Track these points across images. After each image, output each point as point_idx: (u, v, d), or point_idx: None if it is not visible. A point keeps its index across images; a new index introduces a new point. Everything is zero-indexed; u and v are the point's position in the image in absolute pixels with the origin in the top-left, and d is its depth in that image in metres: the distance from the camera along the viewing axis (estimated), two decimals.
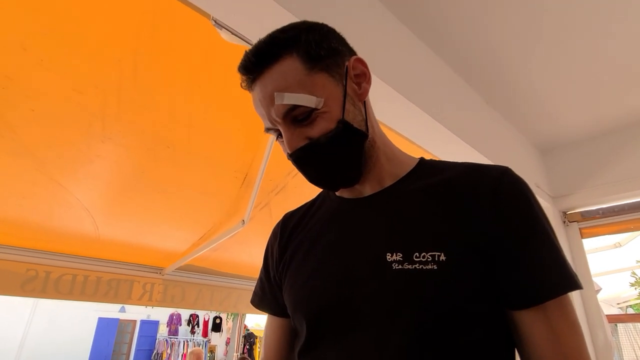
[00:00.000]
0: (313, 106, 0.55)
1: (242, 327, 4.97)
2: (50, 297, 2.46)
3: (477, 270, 0.50)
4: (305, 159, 0.58)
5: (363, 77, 0.62)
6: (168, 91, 1.67)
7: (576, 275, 0.52)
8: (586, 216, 2.70)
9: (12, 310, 10.09)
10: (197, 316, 12.32)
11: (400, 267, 0.52)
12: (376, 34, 1.65)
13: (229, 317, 11.96)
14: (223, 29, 1.32)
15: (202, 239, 2.63)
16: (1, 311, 9.84)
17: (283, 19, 1.26)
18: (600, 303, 2.55)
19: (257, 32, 1.32)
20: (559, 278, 0.50)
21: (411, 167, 0.64)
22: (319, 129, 0.56)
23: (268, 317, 0.73)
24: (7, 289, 2.28)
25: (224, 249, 2.78)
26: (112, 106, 1.64)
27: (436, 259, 0.50)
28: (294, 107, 0.55)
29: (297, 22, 0.62)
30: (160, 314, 12.31)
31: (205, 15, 1.30)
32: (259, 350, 9.85)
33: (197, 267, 3.00)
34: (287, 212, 0.78)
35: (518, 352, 0.53)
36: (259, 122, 1.96)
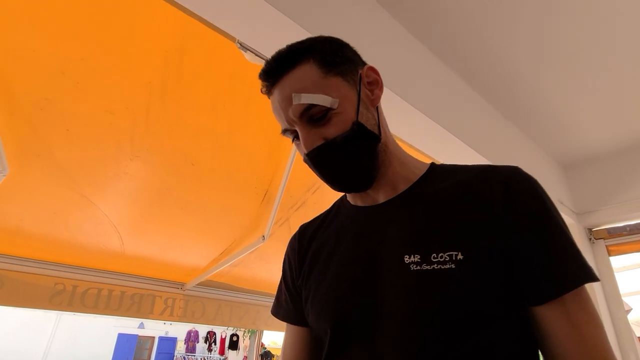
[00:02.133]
0: (328, 105, 0.58)
1: (260, 344, 4.94)
2: (76, 311, 2.52)
3: (495, 268, 0.51)
4: (322, 159, 0.60)
5: (375, 84, 0.66)
6: (194, 111, 1.74)
7: (591, 268, 0.52)
8: (613, 233, 2.62)
9: (35, 325, 10.32)
10: (215, 333, 12.30)
11: (418, 268, 0.53)
12: (395, 52, 1.69)
13: (245, 334, 11.89)
14: (248, 51, 1.38)
15: (222, 254, 2.66)
16: (25, 327, 10.07)
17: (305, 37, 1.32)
18: (631, 324, 2.44)
19: None
20: (575, 270, 0.51)
21: (423, 172, 0.66)
22: (334, 129, 0.59)
23: (287, 326, 0.75)
24: (36, 302, 2.35)
25: (244, 265, 2.80)
26: (141, 125, 1.71)
27: (454, 258, 0.52)
28: (311, 107, 0.58)
29: (314, 36, 0.67)
30: (178, 331, 12.36)
31: (231, 38, 1.37)
32: None
33: (217, 283, 3.03)
34: (302, 224, 0.80)
35: (540, 349, 0.53)
36: (281, 140, 2.01)
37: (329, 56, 0.61)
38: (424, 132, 1.77)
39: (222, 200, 2.23)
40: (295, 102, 0.58)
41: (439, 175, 0.65)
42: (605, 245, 2.61)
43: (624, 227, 2.62)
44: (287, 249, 0.78)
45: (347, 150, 0.59)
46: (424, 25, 1.76)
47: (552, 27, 1.74)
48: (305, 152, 0.60)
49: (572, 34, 1.77)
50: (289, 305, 0.73)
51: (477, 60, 1.94)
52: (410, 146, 1.86)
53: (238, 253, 2.49)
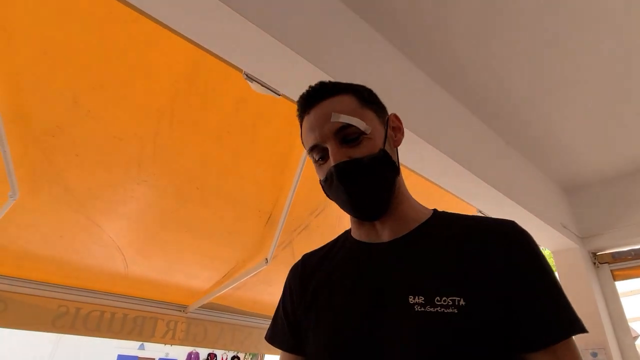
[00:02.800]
0: (362, 129, 0.64)
1: None
2: (79, 334, 2.51)
3: (493, 316, 0.55)
4: (347, 173, 0.63)
5: (398, 130, 0.74)
6: (200, 137, 1.79)
7: (580, 320, 0.56)
8: (617, 257, 2.60)
9: (35, 346, 10.20)
10: (215, 355, 12.08)
11: (422, 309, 0.56)
12: (397, 80, 1.74)
13: (246, 357, 11.67)
14: (254, 82, 1.44)
15: (225, 277, 2.66)
16: (25, 347, 9.95)
17: (310, 72, 1.37)
18: (639, 351, 2.40)
19: (285, 84, 1.44)
20: (566, 322, 0.55)
21: (427, 217, 0.69)
22: (364, 150, 0.64)
23: (282, 353, 0.75)
24: (39, 325, 2.35)
25: (247, 288, 2.80)
26: (149, 151, 1.76)
27: (457, 303, 0.55)
28: (346, 127, 0.64)
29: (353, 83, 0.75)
30: (179, 353, 12.15)
31: (238, 69, 1.42)
32: None
33: (219, 306, 3.02)
34: (305, 252, 0.81)
35: None
36: (285, 164, 2.04)
37: (365, 95, 0.70)
38: (426, 159, 1.80)
39: (226, 223, 2.25)
40: (333, 119, 0.64)
41: (442, 221, 0.68)
42: (610, 270, 2.59)
43: (629, 252, 2.60)
44: (289, 276, 0.79)
45: (372, 171, 0.64)
46: (425, 55, 1.81)
47: (551, 55, 1.79)
48: (333, 164, 0.64)
49: (572, 60, 1.82)
50: (285, 332, 0.74)
51: (479, 88, 1.99)
52: (414, 172, 1.89)
53: (241, 276, 2.49)
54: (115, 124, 1.66)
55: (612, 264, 2.60)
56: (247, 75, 1.42)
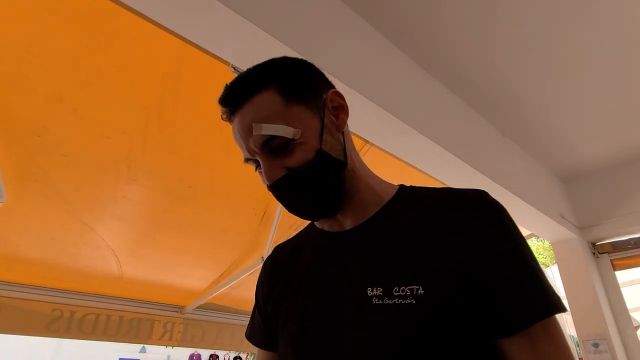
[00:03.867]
0: (290, 137, 0.55)
1: None
2: (74, 338, 2.48)
3: (457, 302, 0.50)
4: (285, 190, 0.58)
5: (341, 109, 0.63)
6: (190, 134, 1.75)
7: (559, 299, 0.51)
8: (617, 247, 2.58)
9: (34, 352, 10.15)
10: (217, 356, 12.06)
11: (380, 302, 0.52)
12: (391, 72, 1.71)
13: (248, 356, 11.66)
14: None
15: (221, 276, 2.64)
16: (24, 354, 9.91)
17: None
18: None
19: None
20: (540, 302, 0.49)
21: (390, 196, 0.63)
22: (297, 159, 0.56)
23: (258, 351, 0.73)
24: (33, 330, 2.32)
25: (244, 287, 2.77)
26: (138, 150, 1.72)
27: (415, 292, 0.50)
28: (272, 138, 0.56)
29: (277, 58, 0.64)
30: (181, 355, 12.12)
31: (225, 62, 1.39)
32: None
33: (217, 306, 2.99)
34: (277, 244, 0.78)
35: None
36: None
37: (292, 83, 0.59)
38: (423, 152, 1.77)
39: (220, 222, 2.22)
40: (255, 132, 0.56)
41: (406, 200, 0.62)
42: (610, 260, 2.57)
43: (629, 241, 2.58)
44: (260, 271, 0.76)
45: (311, 179, 0.57)
46: (419, 45, 1.78)
47: (548, 45, 1.76)
48: (268, 183, 0.58)
49: (569, 50, 1.79)
50: (261, 329, 0.72)
51: (475, 78, 1.96)
52: (410, 165, 1.86)
53: (237, 275, 2.46)
54: (102, 122, 1.62)
55: (611, 254, 2.58)
56: (234, 68, 1.38)
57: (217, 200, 2.07)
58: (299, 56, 1.31)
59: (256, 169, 0.62)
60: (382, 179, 0.68)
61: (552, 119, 2.23)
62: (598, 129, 2.32)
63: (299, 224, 2.41)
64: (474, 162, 1.90)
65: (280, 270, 0.70)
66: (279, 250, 0.75)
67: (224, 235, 2.32)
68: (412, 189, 0.65)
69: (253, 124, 0.56)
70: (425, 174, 1.94)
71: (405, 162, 1.83)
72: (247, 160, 0.61)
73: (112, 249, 2.18)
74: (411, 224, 0.57)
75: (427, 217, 0.57)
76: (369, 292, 0.53)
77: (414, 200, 0.61)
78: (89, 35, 1.40)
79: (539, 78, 1.96)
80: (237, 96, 0.59)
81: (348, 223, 0.63)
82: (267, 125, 0.56)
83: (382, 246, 0.57)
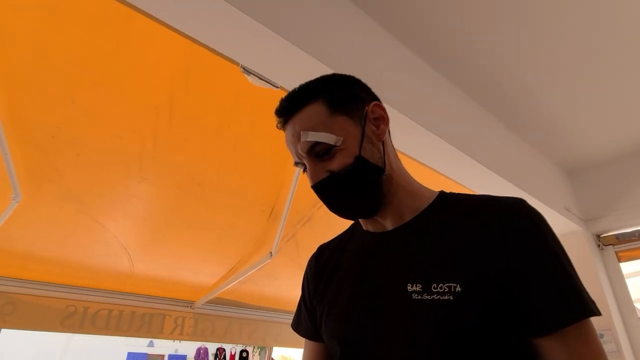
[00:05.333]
0: (332, 143, 0.63)
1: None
2: (88, 332, 2.53)
3: (492, 301, 0.53)
4: (326, 190, 0.65)
5: (381, 119, 0.70)
6: (200, 133, 1.78)
7: (594, 303, 0.54)
8: (622, 239, 2.60)
9: (45, 346, 10.30)
10: (224, 350, 12.17)
11: (419, 297, 0.56)
12: (395, 69, 1.72)
13: (255, 350, 11.77)
14: (251, 75, 1.43)
15: (230, 271, 2.67)
16: (34, 348, 10.06)
17: (307, 62, 1.35)
18: None
19: (282, 75, 1.43)
20: (574, 305, 0.52)
21: (430, 201, 0.68)
22: (337, 163, 0.64)
23: (306, 341, 0.78)
24: (48, 325, 2.37)
25: (252, 282, 2.81)
26: (149, 149, 1.75)
27: (452, 290, 0.54)
28: (316, 144, 0.64)
29: (327, 74, 0.73)
30: (188, 349, 12.24)
31: (234, 63, 1.41)
32: None
33: (226, 300, 3.04)
34: (321, 244, 0.84)
35: None
36: (285, 158, 2.04)
37: (337, 96, 0.67)
38: (424, 145, 1.79)
39: (229, 218, 2.26)
40: (303, 139, 0.64)
41: (446, 204, 0.67)
42: (615, 252, 2.59)
43: (633, 233, 2.60)
44: (306, 267, 0.82)
45: (350, 182, 0.64)
46: (423, 41, 1.79)
47: (552, 35, 1.77)
48: (312, 184, 0.66)
49: (574, 42, 1.80)
50: (307, 322, 0.77)
51: (477, 71, 1.97)
52: (414, 161, 1.88)
53: (246, 270, 2.50)
54: (114, 122, 1.66)
55: (616, 246, 2.59)
56: (243, 68, 1.41)
57: (226, 197, 2.10)
58: (308, 56, 1.33)
59: (304, 171, 0.69)
60: (422, 185, 0.73)
61: (556, 111, 2.24)
62: (602, 121, 2.33)
63: (306, 220, 2.44)
64: (477, 156, 1.92)
65: (325, 267, 0.75)
66: (323, 248, 0.81)
67: (233, 232, 2.35)
68: (451, 194, 0.70)
69: (301, 132, 0.64)
70: (428, 167, 1.96)
71: (406, 156, 1.85)
72: (296, 163, 0.70)
73: (124, 246, 2.22)
74: (450, 227, 0.62)
75: (466, 221, 0.61)
76: (409, 288, 0.57)
77: (452, 205, 0.66)
78: (100, 37, 1.42)
79: (542, 70, 1.96)
80: (289, 108, 0.68)
81: (388, 225, 0.68)
82: (313, 132, 0.64)
83: (421, 246, 0.62)
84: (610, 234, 2.63)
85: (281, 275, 2.80)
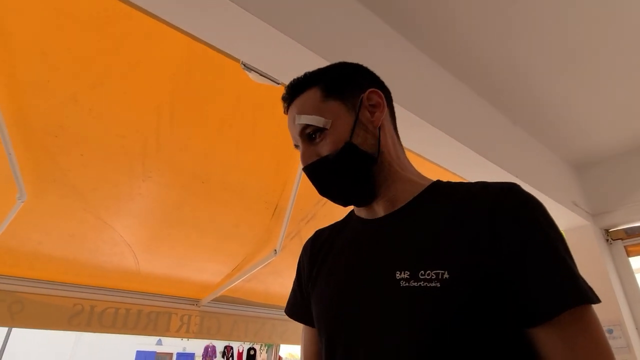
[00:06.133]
0: (321, 125, 0.64)
1: (277, 358, 4.92)
2: (95, 331, 2.55)
3: (482, 288, 0.51)
4: (315, 173, 0.67)
5: (377, 106, 0.70)
6: (202, 131, 1.78)
7: (590, 289, 0.51)
8: (630, 233, 2.56)
9: (54, 345, 10.45)
10: (232, 348, 12.25)
11: (407, 284, 0.55)
12: (398, 64, 1.71)
13: (262, 348, 11.83)
14: (252, 72, 1.42)
15: (235, 269, 2.68)
16: (44, 346, 10.21)
17: (308, 58, 1.34)
18: None
19: (283, 72, 1.42)
20: (567, 291, 0.49)
21: (423, 189, 0.67)
22: (327, 147, 0.65)
23: (303, 327, 0.78)
24: (55, 324, 2.39)
25: (257, 280, 2.81)
26: (152, 147, 1.76)
27: (440, 277, 0.52)
28: (307, 126, 0.66)
29: (334, 63, 0.75)
30: (196, 347, 12.35)
31: (235, 60, 1.40)
32: None
33: (231, 298, 3.04)
34: (318, 229, 0.84)
35: None
36: (288, 155, 2.03)
37: (333, 82, 0.69)
38: (430, 141, 1.77)
39: (233, 216, 2.26)
40: (296, 122, 0.67)
41: (438, 192, 0.66)
42: (624, 246, 2.56)
43: None
44: (302, 251, 0.82)
45: (338, 167, 0.65)
46: (427, 35, 1.77)
47: (559, 27, 1.74)
48: (302, 167, 0.68)
49: (582, 35, 1.77)
50: (300, 305, 0.77)
51: (483, 66, 1.95)
52: (419, 156, 1.87)
53: (251, 268, 2.50)
54: (117, 122, 1.66)
55: (625, 240, 2.56)
56: (244, 65, 1.40)
57: (230, 195, 2.10)
58: (309, 52, 1.32)
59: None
60: (421, 174, 0.72)
61: (564, 105, 2.21)
62: (611, 115, 2.29)
63: (310, 218, 2.44)
64: (483, 151, 1.90)
65: (319, 251, 0.75)
66: (319, 233, 0.81)
67: (237, 230, 2.35)
68: (447, 183, 0.68)
69: (295, 115, 0.67)
70: (432, 162, 1.94)
71: (410, 151, 1.84)
72: (295, 146, 0.72)
73: (129, 245, 2.23)
74: (440, 214, 0.60)
75: (456, 207, 0.59)
76: (397, 275, 0.56)
77: (445, 193, 0.64)
78: (101, 36, 1.42)
79: (549, 64, 1.94)
80: (291, 93, 0.71)
81: (381, 211, 0.68)
82: (304, 116, 0.66)
83: (411, 232, 0.61)
84: (618, 228, 2.59)
85: (286, 273, 2.80)
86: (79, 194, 1.87)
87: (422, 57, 1.86)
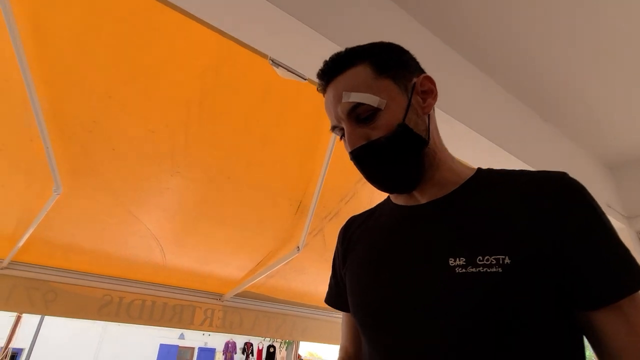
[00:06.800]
0: (375, 105, 0.59)
1: (297, 356, 4.95)
2: (122, 321, 2.63)
3: (543, 274, 0.51)
4: (365, 158, 0.62)
5: (430, 93, 0.67)
6: (229, 126, 1.81)
7: None
8: None
9: (84, 337, 10.87)
10: (252, 344, 12.41)
11: (463, 270, 0.53)
12: (428, 60, 1.68)
13: (282, 345, 11.92)
14: (279, 67, 1.43)
15: (258, 265, 2.71)
16: (74, 338, 10.63)
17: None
18: None
19: (312, 68, 1.42)
20: (629, 275, 0.50)
21: (469, 176, 0.65)
22: (379, 130, 0.60)
23: (343, 314, 0.78)
24: (86, 313, 2.49)
25: (280, 276, 2.83)
26: (180, 143, 1.80)
27: (501, 262, 0.51)
28: (358, 105, 0.60)
29: (375, 42, 0.70)
30: (217, 342, 12.58)
31: (263, 55, 1.42)
32: None
33: (254, 294, 3.08)
34: (351, 216, 0.82)
35: (594, 351, 0.53)
36: (313, 152, 2.03)
37: (385, 60, 0.63)
38: (460, 139, 1.74)
39: (257, 212, 2.28)
40: (344, 99, 0.61)
41: (486, 179, 0.64)
42: None
43: None
44: (337, 241, 0.81)
45: (390, 151, 0.60)
46: (453, 28, 1.74)
47: (592, 22, 1.68)
48: (349, 150, 0.62)
49: (616, 30, 1.70)
50: (337, 293, 0.76)
51: (514, 63, 1.90)
52: None
53: (273, 264, 2.52)
54: (147, 117, 1.70)
55: None
56: (272, 61, 1.41)
57: (255, 191, 2.12)
58: (337, 48, 1.32)
59: (341, 138, 0.66)
60: (462, 163, 0.70)
61: (597, 102, 2.13)
62: None
63: (333, 215, 2.44)
64: (514, 150, 1.86)
65: (353, 238, 0.74)
66: (352, 220, 0.79)
67: (261, 226, 2.38)
68: (491, 170, 0.66)
69: (343, 92, 0.61)
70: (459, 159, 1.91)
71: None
72: (333, 128, 0.66)
73: (157, 239, 2.29)
74: (493, 200, 0.59)
75: (511, 194, 0.58)
76: (450, 262, 0.54)
77: (494, 180, 0.63)
78: (133, 32, 1.47)
79: (582, 60, 1.87)
80: (333, 68, 0.64)
81: (423, 199, 0.65)
82: (356, 93, 0.60)
83: (462, 219, 0.59)
84: None
85: (308, 270, 2.81)
86: (110, 187, 1.94)
87: (450, 52, 1.83)
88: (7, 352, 2.95)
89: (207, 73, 1.60)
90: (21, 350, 8.92)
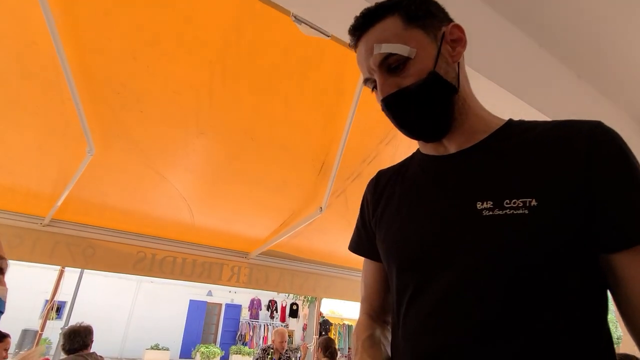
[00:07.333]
0: (406, 54, 0.61)
1: (319, 313, 5.18)
2: (155, 276, 2.81)
3: (569, 216, 0.52)
4: (395, 105, 0.64)
5: (459, 42, 0.67)
6: (251, 87, 1.81)
7: None
8: None
9: (120, 292, 11.69)
10: (276, 302, 12.99)
11: (490, 213, 0.55)
12: (457, 12, 1.61)
13: (304, 303, 12.42)
14: (302, 24, 1.40)
15: (282, 225, 2.79)
16: (112, 294, 11.44)
17: (360, 8, 1.30)
18: None
19: (335, 24, 1.39)
20: None
21: (499, 126, 0.66)
22: (410, 78, 0.61)
23: (365, 261, 0.80)
24: (122, 268, 2.67)
25: (303, 236, 2.91)
26: (205, 104, 1.82)
27: (528, 204, 0.53)
28: (389, 56, 0.62)
29: None
30: (243, 299, 13.21)
31: (285, 12, 1.39)
32: (332, 337, 10.10)
33: (278, 253, 3.20)
34: (380, 169, 0.84)
35: (613, 295, 0.54)
36: (336, 112, 2.01)
37: (413, 10, 0.64)
38: (487, 96, 1.68)
39: (281, 173, 2.32)
40: (375, 51, 0.62)
41: (516, 128, 0.65)
42: None
43: None
44: (365, 190, 0.83)
45: (422, 97, 0.62)
46: None
47: None
48: (381, 97, 0.64)
49: None
50: (364, 241, 0.79)
51: (546, 15, 1.78)
52: None
53: (297, 224, 2.59)
54: (172, 79, 1.72)
55: None
56: (295, 17, 1.38)
57: (278, 152, 2.15)
58: (362, 1, 1.28)
59: (372, 90, 0.68)
60: (491, 113, 0.70)
61: (635, 55, 1.99)
62: None
63: (355, 176, 2.45)
64: (545, 109, 1.78)
65: (384, 189, 0.75)
66: (382, 173, 0.81)
67: (284, 186, 2.42)
68: (522, 121, 0.67)
69: (374, 44, 0.63)
70: None
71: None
72: (365, 80, 0.68)
73: (185, 199, 2.38)
74: (522, 146, 0.60)
75: (540, 142, 0.59)
76: (478, 205, 0.56)
77: (524, 128, 0.63)
78: None
79: (619, 11, 1.73)
80: (364, 23, 0.65)
81: (453, 147, 0.67)
82: (386, 44, 0.62)
83: (490, 164, 0.61)
84: None
85: (330, 231, 2.87)
86: (139, 149, 2.00)
87: (480, 5, 1.73)
88: (53, 304, 3.22)
89: (229, 32, 1.59)
90: (64, 303, 9.68)
